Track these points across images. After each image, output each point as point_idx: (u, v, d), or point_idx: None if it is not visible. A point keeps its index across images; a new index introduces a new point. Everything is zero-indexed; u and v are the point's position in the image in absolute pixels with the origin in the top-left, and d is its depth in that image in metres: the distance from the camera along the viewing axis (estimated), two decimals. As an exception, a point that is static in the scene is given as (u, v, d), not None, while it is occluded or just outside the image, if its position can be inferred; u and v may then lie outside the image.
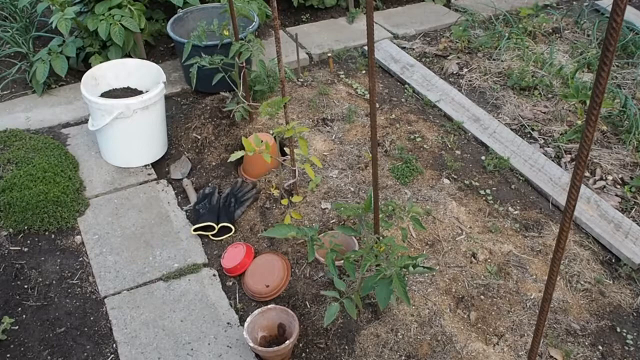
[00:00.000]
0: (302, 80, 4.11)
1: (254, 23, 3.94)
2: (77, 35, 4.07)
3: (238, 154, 2.91)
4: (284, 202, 3.14)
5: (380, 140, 3.62)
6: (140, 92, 3.68)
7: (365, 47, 4.49)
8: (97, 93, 3.59)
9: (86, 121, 3.84)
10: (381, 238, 2.46)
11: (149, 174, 3.55)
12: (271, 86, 3.80)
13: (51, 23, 3.87)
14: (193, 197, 3.38)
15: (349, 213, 2.45)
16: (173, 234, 3.20)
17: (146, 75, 3.66)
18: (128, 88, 3.69)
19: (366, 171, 3.41)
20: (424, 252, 2.98)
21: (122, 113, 3.32)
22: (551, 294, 1.65)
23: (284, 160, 3.19)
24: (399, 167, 3.42)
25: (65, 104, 4.01)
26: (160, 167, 3.63)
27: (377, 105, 3.88)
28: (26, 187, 3.19)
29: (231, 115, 3.67)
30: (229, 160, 2.91)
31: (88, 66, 4.10)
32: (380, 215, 2.60)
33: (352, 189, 3.29)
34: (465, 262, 2.93)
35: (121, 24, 3.91)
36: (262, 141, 2.92)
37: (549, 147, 3.61)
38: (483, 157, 3.57)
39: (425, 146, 3.59)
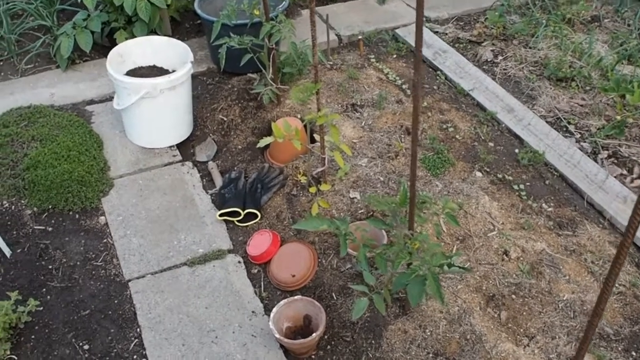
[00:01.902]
0: (331, 63, 4.01)
1: (284, 2, 3.83)
2: (102, 9, 3.98)
3: (267, 140, 2.84)
4: (312, 190, 3.07)
5: (411, 128, 3.52)
6: (167, 71, 3.60)
7: (397, 31, 4.38)
8: (122, 70, 3.52)
9: (111, 99, 3.78)
10: (414, 234, 2.38)
11: (174, 156, 3.48)
12: (300, 69, 3.71)
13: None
14: (218, 180, 3.32)
15: (382, 207, 2.38)
16: (198, 218, 3.14)
17: (173, 53, 3.58)
18: (154, 66, 3.61)
19: (396, 160, 3.32)
20: (455, 248, 2.91)
21: (149, 93, 3.25)
22: (602, 310, 1.58)
23: (313, 147, 3.11)
24: (430, 157, 3.33)
25: (89, 80, 3.94)
26: (185, 148, 3.57)
27: (408, 93, 3.78)
28: (50, 166, 3.14)
29: (259, 98, 3.59)
30: (257, 146, 2.85)
31: (112, 41, 4.03)
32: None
33: (382, 179, 3.22)
34: (497, 260, 2.86)
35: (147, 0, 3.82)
36: (291, 127, 2.85)
37: (585, 142, 3.50)
38: (517, 150, 3.47)
39: (457, 136, 3.49)
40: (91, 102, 3.80)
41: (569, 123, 3.61)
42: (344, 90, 3.73)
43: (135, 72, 3.54)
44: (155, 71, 3.58)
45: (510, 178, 3.26)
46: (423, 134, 3.50)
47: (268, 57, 3.49)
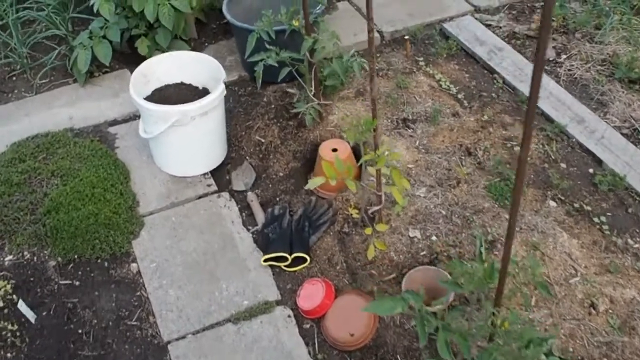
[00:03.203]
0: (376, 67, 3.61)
1: (320, 5, 3.40)
2: (118, 12, 3.57)
3: (317, 182, 2.50)
4: (368, 231, 2.71)
5: (471, 147, 3.15)
6: (196, 88, 3.23)
7: (445, 25, 3.94)
8: (147, 91, 3.15)
9: (135, 117, 3.43)
10: (500, 310, 2.04)
11: (209, 185, 3.14)
12: (342, 81, 3.31)
13: (91, 5, 3.40)
14: (260, 216, 2.98)
15: (469, 288, 2.02)
16: (239, 262, 2.82)
17: (202, 68, 3.20)
18: (182, 83, 3.24)
19: (458, 189, 2.96)
20: (534, 299, 2.56)
21: (178, 120, 2.89)
22: None
23: (367, 184, 2.74)
24: (496, 184, 2.96)
25: (110, 97, 3.58)
26: (220, 174, 3.22)
27: (465, 104, 3.38)
28: (74, 208, 2.82)
29: (299, 116, 3.21)
30: (305, 188, 2.50)
31: (133, 47, 3.65)
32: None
33: (444, 212, 2.86)
34: (583, 314, 2.51)
35: (170, 4, 3.42)
36: (344, 163, 2.49)
37: (669, 159, 3.10)
38: (591, 170, 3.08)
39: (524, 157, 3.10)
40: (114, 122, 3.45)
41: (650, 136, 3.21)
42: (392, 102, 3.34)
43: (162, 91, 3.18)
44: (183, 89, 3.21)
45: (589, 208, 2.89)
46: (485, 154, 3.12)
47: (309, 70, 3.10)
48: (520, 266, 2.12)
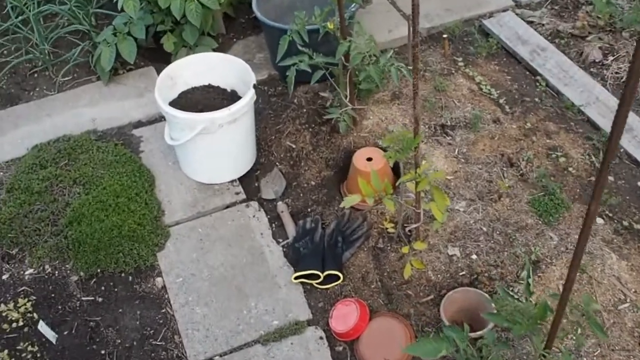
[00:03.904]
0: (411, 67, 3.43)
1: (354, 4, 3.21)
2: (143, 7, 3.42)
3: (352, 200, 2.34)
4: (405, 250, 2.57)
5: (513, 157, 2.97)
6: (224, 90, 3.09)
7: (484, 22, 3.74)
8: (174, 94, 3.02)
9: (160, 119, 3.31)
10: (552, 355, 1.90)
11: (237, 193, 3.01)
12: (378, 84, 3.14)
13: (115, 1, 3.25)
14: (291, 228, 2.85)
15: (520, 332, 1.87)
16: (269, 278, 2.70)
17: (230, 70, 3.05)
18: (209, 86, 3.10)
19: (499, 203, 2.80)
20: (582, 326, 2.41)
21: (206, 128, 2.75)
22: None
23: (405, 200, 2.59)
24: (540, 199, 2.79)
25: (135, 97, 3.45)
26: (249, 180, 3.08)
27: (506, 109, 3.20)
28: (97, 219, 2.71)
29: (333, 122, 3.06)
30: (341, 206, 2.35)
31: (158, 43, 3.51)
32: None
33: (485, 229, 2.71)
34: (633, 344, 2.36)
35: (198, 1, 3.26)
36: (381, 181, 2.34)
37: None
38: (639, 184, 2.90)
39: (570, 169, 2.93)
40: (138, 124, 3.32)
41: None
42: (430, 107, 3.17)
43: (189, 95, 3.04)
44: (211, 92, 3.07)
45: (639, 227, 2.72)
46: (528, 166, 2.95)
47: (344, 74, 2.94)
48: (574, 304, 1.97)
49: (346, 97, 2.99)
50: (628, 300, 2.48)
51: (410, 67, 2.60)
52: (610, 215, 2.76)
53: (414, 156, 2.34)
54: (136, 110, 3.37)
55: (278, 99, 3.40)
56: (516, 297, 2.23)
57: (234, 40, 3.77)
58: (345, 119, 2.96)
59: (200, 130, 2.75)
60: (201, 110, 2.92)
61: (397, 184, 2.40)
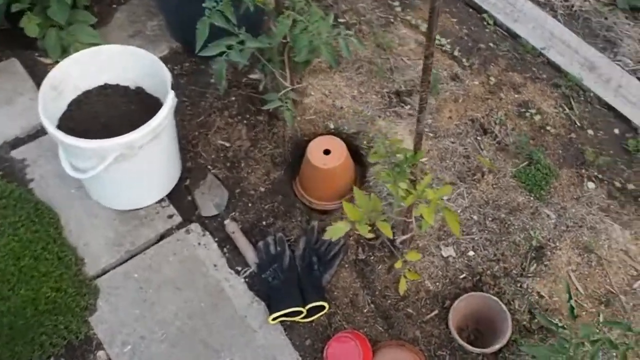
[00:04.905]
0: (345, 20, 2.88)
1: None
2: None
3: (339, 230, 1.85)
4: (398, 265, 2.14)
5: (485, 122, 2.60)
6: (126, 88, 2.40)
7: (409, -49, 3.21)
8: (62, 106, 2.30)
9: (44, 131, 2.54)
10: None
11: (170, 216, 2.41)
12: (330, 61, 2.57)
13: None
14: (250, 254, 2.33)
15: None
16: (238, 322, 2.20)
17: (129, 62, 2.35)
18: (106, 86, 2.38)
19: (483, 182, 2.44)
20: (602, 316, 2.18)
21: (123, 155, 2.10)
22: None
23: (404, 213, 2.14)
24: (526, 170, 2.47)
25: (4, 104, 2.62)
26: (178, 196, 2.47)
27: (463, 63, 2.78)
28: (1, 299, 2.03)
29: (271, 110, 2.48)
30: (324, 237, 1.86)
31: (17, 26, 2.67)
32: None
33: (475, 217, 2.36)
34: (660, 328, 2.17)
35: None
36: (369, 200, 1.88)
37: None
38: (617, 131, 2.66)
39: (548, 127, 2.61)
40: (17, 142, 2.53)
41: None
42: (378, 70, 2.68)
43: (82, 104, 2.32)
44: (110, 94, 2.36)
45: (632, 187, 2.48)
46: (502, 129, 2.59)
47: (281, 53, 2.35)
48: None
49: (285, 78, 2.42)
50: (641, 276, 2.27)
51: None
52: (600, 177, 2.50)
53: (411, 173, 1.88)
54: (11, 125, 2.56)
55: (190, 81, 2.74)
56: (554, 322, 1.92)
57: (114, 6, 2.98)
58: (289, 106, 2.39)
59: (114, 158, 2.09)
60: (105, 125, 2.25)
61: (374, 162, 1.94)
